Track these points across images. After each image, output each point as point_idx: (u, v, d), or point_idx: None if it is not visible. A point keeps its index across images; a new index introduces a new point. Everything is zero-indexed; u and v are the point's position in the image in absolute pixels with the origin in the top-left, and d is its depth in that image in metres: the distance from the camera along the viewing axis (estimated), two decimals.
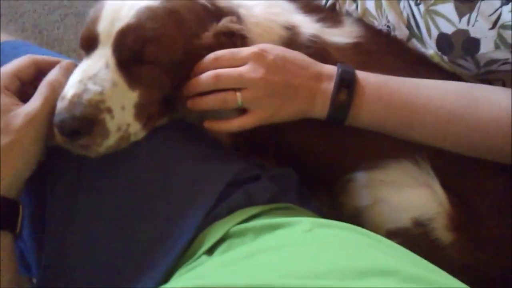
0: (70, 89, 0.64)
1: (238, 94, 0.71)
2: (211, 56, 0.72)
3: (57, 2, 1.93)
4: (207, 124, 0.74)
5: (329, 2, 0.93)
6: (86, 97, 0.63)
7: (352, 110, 0.74)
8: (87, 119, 0.63)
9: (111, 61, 0.67)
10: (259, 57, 0.71)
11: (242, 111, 0.74)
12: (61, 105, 0.63)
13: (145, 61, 0.68)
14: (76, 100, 0.63)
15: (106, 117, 0.64)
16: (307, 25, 0.85)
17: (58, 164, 0.69)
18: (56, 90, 0.65)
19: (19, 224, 0.61)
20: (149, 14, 0.69)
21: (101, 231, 0.66)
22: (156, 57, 0.68)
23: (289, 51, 0.74)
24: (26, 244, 0.72)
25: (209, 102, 0.72)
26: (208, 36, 0.73)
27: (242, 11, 0.80)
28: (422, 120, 0.75)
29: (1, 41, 0.81)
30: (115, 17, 0.68)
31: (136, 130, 0.68)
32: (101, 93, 0.64)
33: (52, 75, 0.66)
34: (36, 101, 0.63)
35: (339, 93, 0.73)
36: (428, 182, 0.78)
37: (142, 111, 0.69)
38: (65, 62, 0.69)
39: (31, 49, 0.80)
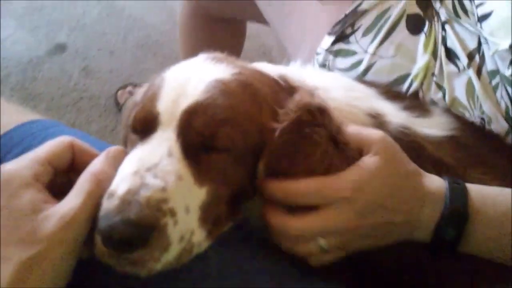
0: (122, 183, 0.48)
1: (322, 241, 0.56)
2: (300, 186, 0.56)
3: (71, 84, 1.83)
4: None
5: (411, 89, 0.79)
6: (144, 194, 0.47)
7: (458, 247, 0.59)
8: (145, 225, 0.46)
9: (176, 148, 0.52)
10: (349, 200, 0.55)
11: None
12: (109, 204, 0.47)
13: (217, 147, 0.53)
14: (131, 198, 0.47)
15: (169, 222, 0.48)
16: (394, 114, 0.70)
17: (91, 283, 0.51)
18: (101, 184, 0.49)
19: None
20: (222, 89, 0.55)
21: None
22: (231, 142, 0.54)
23: (386, 175, 0.57)
24: None
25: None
26: (287, 113, 0.58)
27: (319, 93, 0.65)
28: None
29: (28, 120, 0.66)
30: (180, 93, 0.55)
31: (200, 239, 0.52)
32: (164, 189, 0.49)
33: (97, 165, 0.51)
34: (75, 199, 0.47)
35: (444, 232, 0.58)
36: None
37: (208, 214, 0.53)
38: (112, 149, 0.54)
39: (63, 130, 0.66)
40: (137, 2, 2.18)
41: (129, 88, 1.80)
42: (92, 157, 0.53)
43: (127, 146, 0.60)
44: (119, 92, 1.82)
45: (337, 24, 0.81)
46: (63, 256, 0.45)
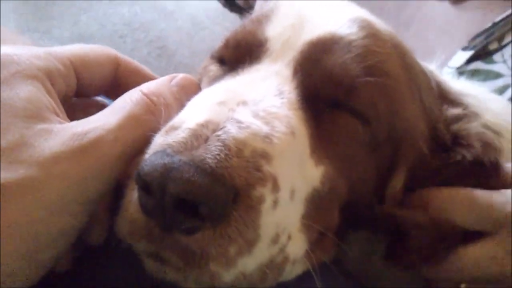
0: (195, 114, 0.27)
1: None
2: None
3: None
4: None
5: None
6: (234, 133, 0.26)
7: None
8: (229, 185, 0.25)
9: (289, 88, 0.31)
10: None
11: None
12: (168, 138, 0.25)
13: (354, 108, 0.33)
14: (209, 133, 0.25)
15: (267, 197, 0.27)
16: None
17: None
18: (154, 111, 0.28)
19: None
20: (371, 32, 0.36)
21: None
22: (374, 109, 0.34)
23: None
24: None
25: None
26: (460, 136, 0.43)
27: (473, 103, 0.46)
28: None
29: None
30: (304, 19, 0.36)
31: (297, 253, 0.31)
32: (268, 138, 0.27)
33: (152, 85, 0.30)
34: (107, 117, 0.27)
35: None
36: None
37: (315, 215, 0.31)
38: (181, 75, 0.33)
39: None
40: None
41: None
42: (146, 80, 0.33)
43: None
44: None
45: (477, 36, 0.62)
46: (61, 205, 0.24)
